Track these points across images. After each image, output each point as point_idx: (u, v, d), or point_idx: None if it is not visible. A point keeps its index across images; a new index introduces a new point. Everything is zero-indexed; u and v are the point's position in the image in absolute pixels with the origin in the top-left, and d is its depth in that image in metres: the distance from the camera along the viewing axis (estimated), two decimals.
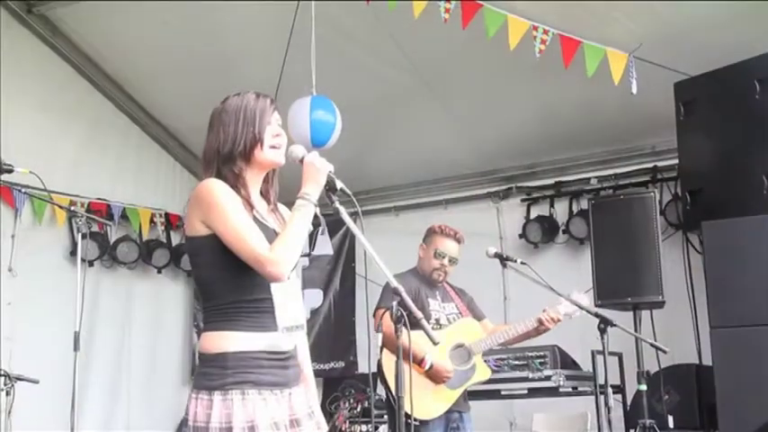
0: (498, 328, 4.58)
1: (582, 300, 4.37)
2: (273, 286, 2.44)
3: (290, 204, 2.53)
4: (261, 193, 2.62)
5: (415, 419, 3.96)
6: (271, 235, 2.46)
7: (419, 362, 4.23)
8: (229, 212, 2.41)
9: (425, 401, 4.20)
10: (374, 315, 4.18)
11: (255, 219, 2.48)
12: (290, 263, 2.42)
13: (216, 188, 2.45)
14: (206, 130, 2.60)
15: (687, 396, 5.41)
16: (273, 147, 2.56)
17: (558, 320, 4.37)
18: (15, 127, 5.88)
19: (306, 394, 2.61)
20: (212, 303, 2.48)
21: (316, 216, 2.51)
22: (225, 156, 2.51)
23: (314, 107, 5.19)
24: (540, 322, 4.36)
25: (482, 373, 4.49)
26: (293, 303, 2.51)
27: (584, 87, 5.40)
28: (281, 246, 2.41)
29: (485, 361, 4.57)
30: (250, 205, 2.50)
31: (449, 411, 4.39)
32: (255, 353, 2.43)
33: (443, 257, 4.57)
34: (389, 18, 5.37)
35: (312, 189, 2.49)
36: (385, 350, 4.28)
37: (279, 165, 2.61)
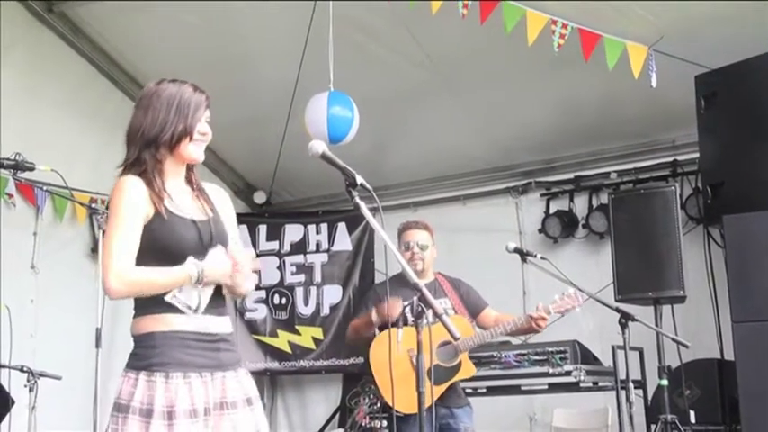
0: (501, 317, 4.58)
1: (569, 300, 4.35)
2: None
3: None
4: (187, 179, 2.65)
5: (398, 412, 4.00)
6: (188, 225, 2.51)
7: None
8: (116, 220, 2.46)
9: (408, 395, 4.18)
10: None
11: (169, 211, 2.51)
12: (123, 292, 2.45)
13: (119, 192, 2.50)
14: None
15: (709, 391, 5.37)
16: (196, 142, 2.59)
17: (542, 318, 4.35)
18: (37, 125, 5.92)
19: (245, 380, 2.60)
20: None
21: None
22: (149, 139, 2.56)
23: (331, 103, 5.18)
24: (531, 318, 4.36)
25: (467, 370, 4.47)
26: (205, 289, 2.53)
27: (603, 81, 5.37)
28: (132, 275, 2.44)
29: (504, 356, 4.54)
30: (159, 198, 2.51)
31: (435, 406, 4.33)
32: (183, 333, 2.48)
33: (408, 248, 4.63)
34: (407, 14, 5.37)
35: (211, 274, 2.50)
36: (373, 345, 4.38)
37: (197, 162, 2.65)
